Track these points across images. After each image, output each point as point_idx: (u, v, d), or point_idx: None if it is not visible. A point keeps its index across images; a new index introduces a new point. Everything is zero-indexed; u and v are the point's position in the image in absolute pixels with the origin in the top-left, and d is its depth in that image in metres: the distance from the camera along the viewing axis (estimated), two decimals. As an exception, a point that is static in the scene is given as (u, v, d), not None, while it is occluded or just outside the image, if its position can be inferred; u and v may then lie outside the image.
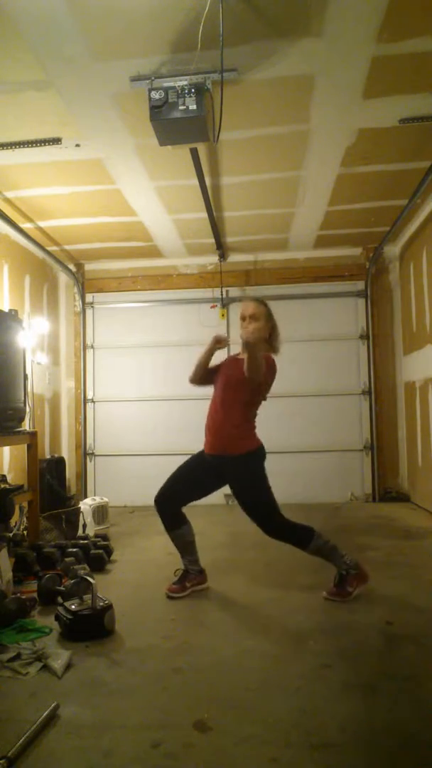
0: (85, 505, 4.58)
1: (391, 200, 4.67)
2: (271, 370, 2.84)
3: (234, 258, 6.14)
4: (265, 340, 2.88)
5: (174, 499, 2.99)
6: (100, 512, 4.65)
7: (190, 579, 2.99)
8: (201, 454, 3.01)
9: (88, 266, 6.34)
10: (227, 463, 2.87)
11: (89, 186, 4.28)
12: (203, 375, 3.05)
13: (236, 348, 3.06)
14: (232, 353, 3.24)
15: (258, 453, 2.88)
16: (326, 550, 2.83)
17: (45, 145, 3.55)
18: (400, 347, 5.94)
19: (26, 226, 4.98)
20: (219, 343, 2.98)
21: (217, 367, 3.06)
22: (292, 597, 2.90)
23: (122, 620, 2.54)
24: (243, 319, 2.92)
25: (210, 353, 3.00)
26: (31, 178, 4.09)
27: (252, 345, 2.64)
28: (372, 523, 4.74)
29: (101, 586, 2.75)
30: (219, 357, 3.08)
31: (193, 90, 2.76)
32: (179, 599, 2.89)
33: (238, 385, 2.84)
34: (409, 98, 3.17)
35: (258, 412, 2.97)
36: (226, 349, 3.09)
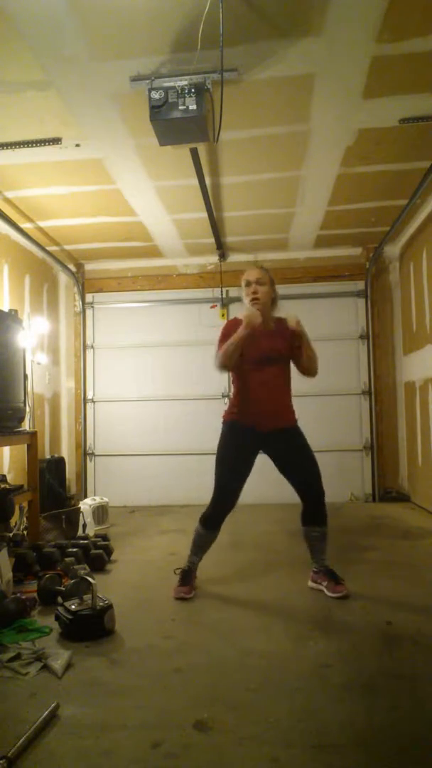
0: (85, 505, 4.58)
1: (391, 200, 4.67)
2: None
3: (234, 258, 6.14)
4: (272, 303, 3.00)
5: (236, 499, 2.96)
6: (100, 512, 4.65)
7: (193, 578, 2.99)
8: (243, 438, 2.92)
9: (88, 266, 6.34)
10: (289, 434, 2.93)
11: (89, 186, 4.28)
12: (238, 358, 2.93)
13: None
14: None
15: None
16: (325, 539, 2.92)
17: (45, 145, 3.55)
18: (400, 347, 5.94)
19: (26, 226, 4.98)
20: (254, 327, 2.80)
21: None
22: (293, 597, 2.90)
23: (122, 620, 2.54)
24: (248, 285, 2.92)
25: (245, 340, 2.83)
26: (31, 178, 4.09)
27: (305, 336, 2.85)
28: (372, 523, 4.75)
29: (101, 586, 2.75)
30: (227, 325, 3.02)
31: (193, 90, 2.76)
32: (178, 599, 2.87)
33: (285, 361, 2.98)
34: (409, 98, 3.18)
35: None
36: (232, 318, 3.05)
